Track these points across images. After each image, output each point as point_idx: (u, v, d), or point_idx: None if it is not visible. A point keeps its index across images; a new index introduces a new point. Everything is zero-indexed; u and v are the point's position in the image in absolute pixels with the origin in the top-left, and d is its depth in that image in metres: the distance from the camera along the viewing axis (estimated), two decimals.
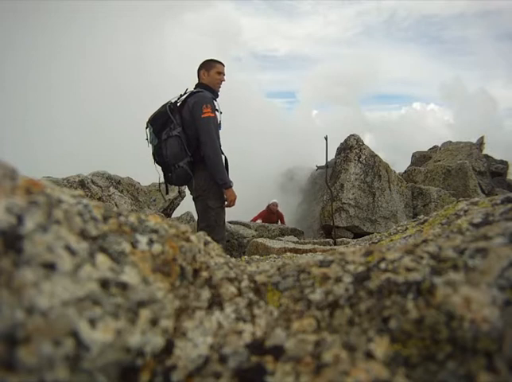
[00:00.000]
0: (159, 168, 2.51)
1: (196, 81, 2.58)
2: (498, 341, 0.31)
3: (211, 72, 2.49)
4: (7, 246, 0.29)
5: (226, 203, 2.45)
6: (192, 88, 2.51)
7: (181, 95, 2.46)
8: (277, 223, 6.38)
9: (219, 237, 2.35)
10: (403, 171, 7.29)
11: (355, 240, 2.16)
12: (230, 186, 2.40)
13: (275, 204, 6.47)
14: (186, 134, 2.35)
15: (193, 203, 2.55)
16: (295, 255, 1.55)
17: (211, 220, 2.40)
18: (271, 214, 6.30)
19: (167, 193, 2.82)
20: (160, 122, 2.37)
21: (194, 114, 2.33)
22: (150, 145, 2.49)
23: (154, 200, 4.49)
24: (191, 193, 2.54)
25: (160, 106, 2.47)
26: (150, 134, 2.43)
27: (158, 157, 2.42)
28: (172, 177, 2.42)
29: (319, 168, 5.15)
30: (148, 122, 2.46)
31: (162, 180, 2.58)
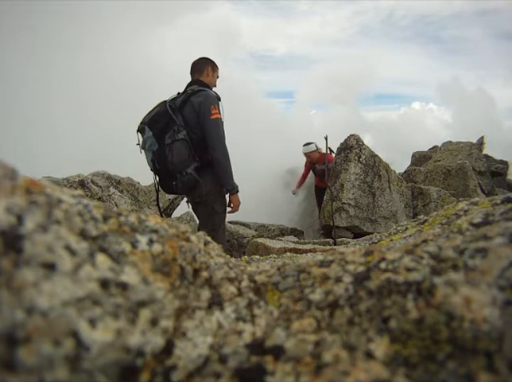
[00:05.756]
0: (156, 176, 2.22)
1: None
2: (498, 341, 0.31)
3: (215, 74, 2.34)
4: (7, 246, 0.29)
5: (230, 208, 2.32)
6: (187, 86, 2.28)
7: (179, 94, 2.25)
8: (326, 168, 4.95)
9: (222, 240, 2.28)
10: (403, 171, 7.30)
11: (355, 240, 2.16)
12: (237, 191, 2.26)
13: (307, 151, 5.18)
14: (190, 137, 2.11)
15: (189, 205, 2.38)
16: (295, 255, 1.55)
17: (215, 224, 2.27)
18: (312, 164, 5.37)
19: (157, 204, 2.49)
20: (160, 125, 2.09)
21: (201, 115, 2.10)
22: (145, 151, 2.19)
23: (154, 200, 4.49)
24: (189, 200, 2.35)
25: (154, 105, 2.20)
26: (149, 138, 2.12)
27: (160, 164, 2.11)
28: (176, 185, 2.13)
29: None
30: (144, 125, 2.14)
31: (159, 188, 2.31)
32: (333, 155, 5.12)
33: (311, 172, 5.59)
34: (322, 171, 5.10)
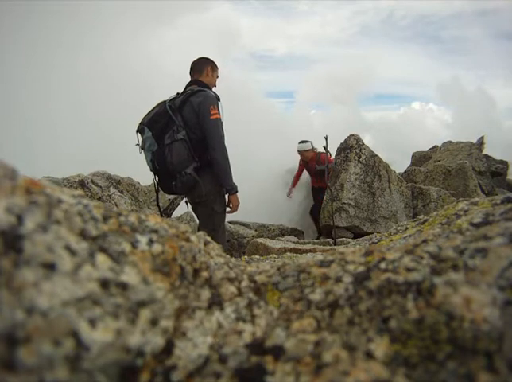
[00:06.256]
0: (155, 176, 2.24)
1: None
2: (498, 341, 0.31)
3: (214, 73, 2.34)
4: (7, 246, 0.29)
5: (229, 208, 2.33)
6: (186, 86, 2.29)
7: (179, 94, 2.25)
8: (326, 168, 4.94)
9: (222, 240, 2.28)
10: (403, 171, 7.28)
11: (355, 240, 2.16)
12: (237, 191, 2.27)
13: (302, 149, 5.17)
14: (189, 137, 2.11)
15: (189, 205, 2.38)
16: (295, 255, 1.55)
17: (215, 224, 2.28)
18: (306, 163, 5.34)
19: (157, 204, 2.52)
20: (160, 125, 2.10)
21: (200, 116, 2.10)
22: (144, 151, 2.19)
23: (154, 200, 4.47)
24: (188, 200, 2.35)
25: (154, 105, 2.21)
26: (148, 138, 2.12)
27: (159, 164, 2.12)
28: (176, 185, 2.14)
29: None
30: (143, 125, 2.14)
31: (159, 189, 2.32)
32: (329, 155, 5.10)
33: (306, 172, 5.54)
34: (320, 171, 5.02)
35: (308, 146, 5.18)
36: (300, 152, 5.28)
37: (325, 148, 4.05)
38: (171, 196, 4.72)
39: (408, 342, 0.33)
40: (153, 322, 0.35)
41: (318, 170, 5.13)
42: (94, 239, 0.35)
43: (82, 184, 3.37)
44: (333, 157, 5.04)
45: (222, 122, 2.22)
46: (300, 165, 5.60)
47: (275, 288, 0.44)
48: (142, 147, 2.22)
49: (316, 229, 5.25)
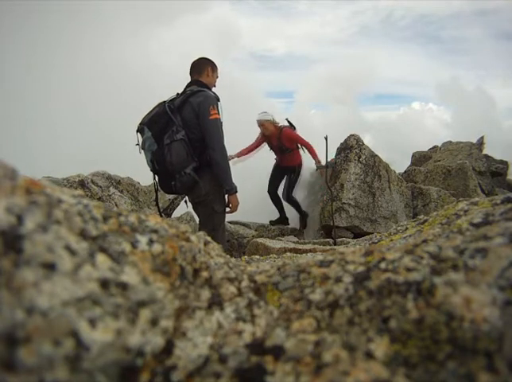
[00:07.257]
0: (155, 176, 2.26)
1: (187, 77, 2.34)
2: (498, 341, 0.31)
3: (214, 74, 2.35)
4: (7, 246, 0.29)
5: (228, 208, 2.33)
6: (186, 86, 2.31)
7: (178, 94, 2.26)
8: (286, 149, 4.54)
9: (222, 240, 2.28)
10: (403, 171, 7.28)
11: (355, 240, 2.16)
12: (236, 192, 2.27)
13: (262, 119, 4.52)
14: (189, 137, 2.12)
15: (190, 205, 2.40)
16: (295, 255, 1.55)
17: (215, 223, 2.29)
18: (266, 138, 4.70)
19: (156, 204, 2.55)
20: (159, 125, 2.11)
21: (200, 116, 2.11)
22: (144, 151, 2.21)
23: (154, 200, 4.46)
24: (189, 200, 2.36)
25: (154, 106, 2.22)
26: (148, 138, 2.14)
27: (159, 164, 2.13)
28: (175, 185, 2.15)
29: (318, 168, 5.09)
30: (143, 125, 2.16)
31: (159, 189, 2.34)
32: (296, 132, 4.55)
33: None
34: (285, 149, 4.62)
35: (268, 116, 4.62)
36: (260, 122, 4.66)
37: (289, 123, 3.74)
38: (171, 196, 4.71)
39: (408, 342, 0.33)
40: (153, 322, 0.35)
41: (281, 149, 4.67)
42: (94, 239, 0.35)
43: (82, 184, 3.37)
44: (298, 131, 4.57)
45: (221, 123, 2.22)
46: (258, 139, 4.90)
47: (275, 288, 0.44)
48: (142, 147, 2.23)
49: (278, 211, 4.91)
